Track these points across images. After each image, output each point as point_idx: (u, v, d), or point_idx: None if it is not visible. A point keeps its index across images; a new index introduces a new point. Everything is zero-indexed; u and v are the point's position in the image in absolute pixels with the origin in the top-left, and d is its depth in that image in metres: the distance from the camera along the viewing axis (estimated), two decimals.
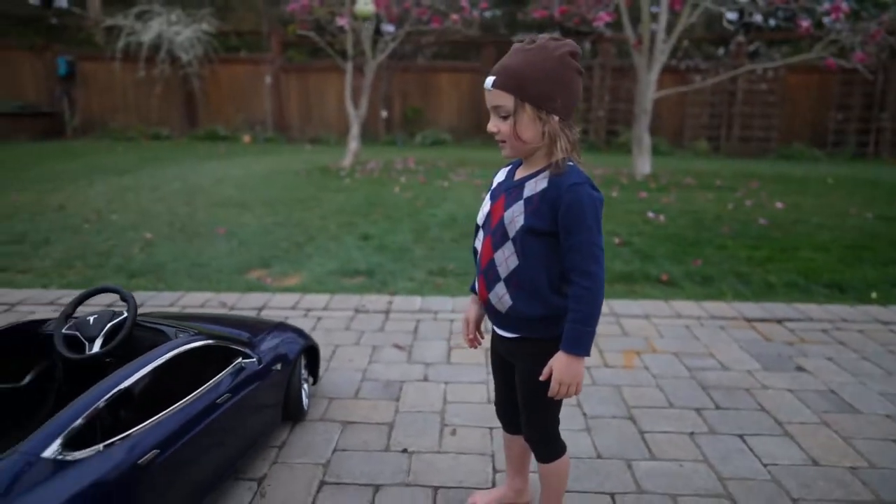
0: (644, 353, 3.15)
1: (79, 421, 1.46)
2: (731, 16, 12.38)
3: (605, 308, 3.44)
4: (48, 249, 4.96)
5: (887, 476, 2.15)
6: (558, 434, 1.72)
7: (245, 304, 3.83)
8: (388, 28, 10.50)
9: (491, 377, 2.83)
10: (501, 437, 1.98)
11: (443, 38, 12.78)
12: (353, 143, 9.79)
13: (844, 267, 4.55)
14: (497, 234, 1.55)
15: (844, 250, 4.97)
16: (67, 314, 1.97)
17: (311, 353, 2.56)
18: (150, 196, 7.10)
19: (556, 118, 1.47)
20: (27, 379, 1.99)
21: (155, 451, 1.58)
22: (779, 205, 6.78)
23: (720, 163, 11.60)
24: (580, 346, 1.48)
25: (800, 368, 3.01)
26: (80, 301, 2.00)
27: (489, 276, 1.58)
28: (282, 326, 2.52)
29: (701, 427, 2.47)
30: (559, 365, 1.50)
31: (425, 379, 2.86)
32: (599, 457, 2.26)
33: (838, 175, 9.61)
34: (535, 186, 1.51)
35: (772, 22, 13.11)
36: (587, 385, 2.76)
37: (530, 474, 1.98)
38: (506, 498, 1.95)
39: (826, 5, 6.98)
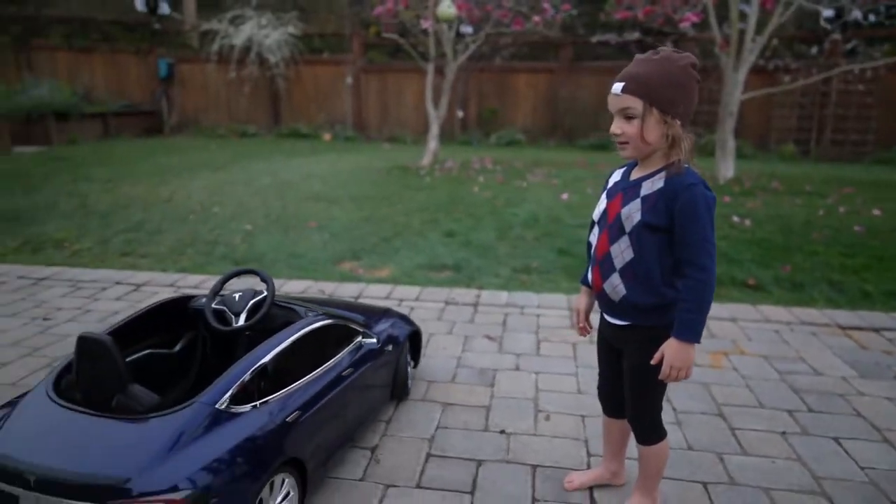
0: (732, 355, 3.18)
1: (240, 382, 1.71)
2: (828, 13, 11.81)
3: None
4: (161, 237, 5.44)
5: None
6: (660, 419, 1.84)
7: (341, 292, 4.10)
8: (467, 29, 10.70)
9: (580, 369, 2.97)
10: (595, 425, 2.11)
11: (521, 39, 12.85)
12: (433, 143, 10.05)
13: None
14: (614, 228, 1.69)
15: None
16: (216, 291, 2.24)
17: (415, 338, 2.76)
18: (246, 190, 7.59)
19: (678, 122, 1.60)
20: (178, 346, 2.29)
21: (298, 412, 1.81)
22: (876, 212, 6.48)
23: (809, 167, 11.10)
24: (692, 332, 1.60)
25: None
26: (226, 280, 2.27)
27: (605, 267, 1.72)
28: (390, 312, 2.73)
29: (793, 427, 2.50)
30: (671, 350, 1.62)
31: (517, 368, 3.01)
32: (690, 448, 2.34)
33: None
34: (651, 186, 1.64)
35: (871, 18, 12.41)
36: (692, 381, 2.82)
37: (627, 461, 2.09)
38: (601, 479, 2.08)
39: None
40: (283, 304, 2.28)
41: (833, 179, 9.02)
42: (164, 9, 15.32)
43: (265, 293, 2.21)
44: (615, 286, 1.70)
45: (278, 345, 1.88)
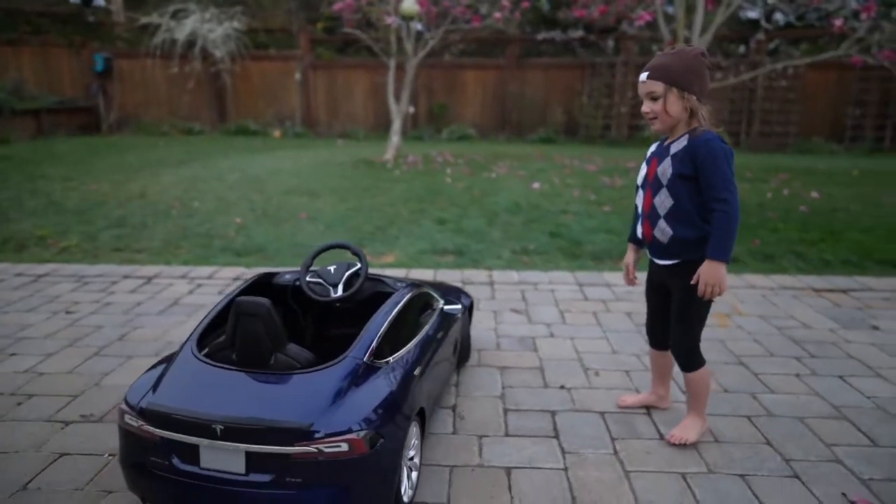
0: (734, 316, 3.57)
1: (378, 339, 1.88)
2: (753, 14, 12.79)
3: None
4: (150, 232, 5.36)
5: None
6: (700, 349, 2.21)
7: None
8: (416, 26, 10.88)
9: (609, 333, 3.30)
10: (639, 378, 2.52)
11: (469, 36, 13.15)
12: (395, 138, 10.19)
13: (888, 247, 4.97)
14: (655, 185, 2.10)
15: (888, 233, 5.39)
16: (307, 266, 2.37)
17: (471, 308, 2.97)
18: (220, 185, 7.49)
19: (695, 97, 2.01)
20: None
21: (420, 367, 2.00)
22: (814, 194, 7.20)
23: (744, 156, 11.99)
24: (722, 252, 1.95)
25: (874, 327, 3.43)
26: (316, 254, 2.40)
27: (652, 217, 2.11)
28: (446, 285, 2.93)
29: (804, 370, 2.89)
30: (705, 269, 1.99)
31: (552, 335, 3.28)
32: (726, 391, 2.68)
33: (861, 168, 10.03)
34: (678, 146, 2.05)
35: (790, 19, 13.51)
36: (707, 338, 3.17)
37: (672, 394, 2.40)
38: (649, 401, 2.49)
39: (856, 5, 7.41)
40: (371, 276, 2.44)
41: (769, 167, 9.84)
42: (99, 0, 14.63)
43: (358, 265, 2.36)
44: (663, 229, 2.08)
45: (393, 309, 2.05)
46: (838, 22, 7.57)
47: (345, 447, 1.58)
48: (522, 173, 8.80)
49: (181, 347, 1.87)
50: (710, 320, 3.47)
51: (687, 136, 2.04)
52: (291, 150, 11.73)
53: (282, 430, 1.56)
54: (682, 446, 2.23)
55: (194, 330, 1.95)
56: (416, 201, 6.66)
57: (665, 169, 2.05)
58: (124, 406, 1.71)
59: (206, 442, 1.59)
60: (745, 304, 3.76)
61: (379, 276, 2.46)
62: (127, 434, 1.71)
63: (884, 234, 5.33)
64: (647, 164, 2.18)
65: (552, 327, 3.39)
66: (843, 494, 2.00)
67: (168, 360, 1.87)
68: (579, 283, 4.16)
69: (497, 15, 9.13)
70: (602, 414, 2.48)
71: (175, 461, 1.63)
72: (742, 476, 2.08)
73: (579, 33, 14.30)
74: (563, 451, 2.21)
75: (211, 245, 5.02)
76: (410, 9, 9.11)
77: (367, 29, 10.26)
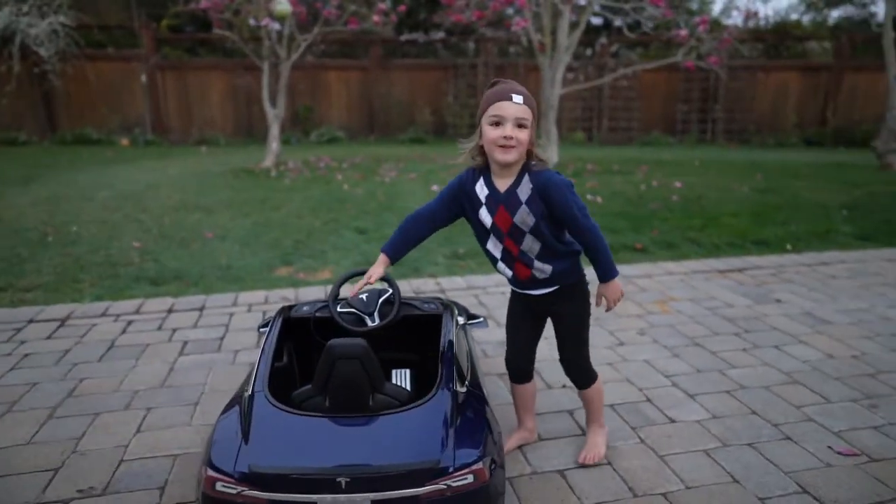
0: (670, 301, 4.00)
1: (450, 369, 1.88)
2: (597, 20, 14.04)
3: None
4: (32, 266, 4.67)
5: (875, 357, 3.16)
6: (591, 363, 2.24)
7: (306, 296, 4.08)
8: (274, 26, 10.50)
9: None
10: (511, 394, 2.55)
11: (331, 37, 12.94)
12: (274, 144, 9.75)
13: (758, 228, 5.83)
14: (514, 234, 1.97)
15: (750, 216, 6.30)
16: (335, 296, 2.27)
17: None
18: (90, 206, 6.68)
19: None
20: (286, 356, 2.26)
21: (482, 382, 2.03)
22: (677, 184, 8.15)
23: (600, 151, 13.17)
24: (612, 270, 2.02)
25: (777, 300, 4.04)
26: (341, 283, 2.30)
27: (525, 260, 2.01)
28: (429, 297, 2.96)
29: (747, 345, 3.33)
30: (606, 291, 2.05)
31: None
32: (699, 371, 3.02)
33: (699, 158, 11.50)
34: (526, 190, 1.93)
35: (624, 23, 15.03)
36: (659, 324, 3.55)
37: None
38: (526, 438, 2.36)
39: (696, 18, 8.57)
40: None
41: (628, 160, 10.91)
42: None
43: (389, 290, 2.30)
44: (541, 268, 2.02)
45: (449, 332, 2.06)
46: (683, 32, 8.63)
47: (470, 478, 1.58)
48: (413, 175, 8.91)
49: (250, 400, 1.72)
50: (653, 307, 3.89)
51: (527, 177, 1.93)
52: (151, 160, 10.73)
53: (412, 473, 1.53)
54: (695, 423, 2.49)
55: (254, 379, 1.80)
56: (324, 211, 6.48)
57: (524, 218, 1.93)
58: (213, 473, 1.55)
59: (330, 497, 1.50)
60: (673, 290, 4.22)
61: (404, 299, 2.43)
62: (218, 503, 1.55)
63: (749, 217, 6.22)
64: (491, 211, 1.98)
65: None
66: (830, 447, 2.38)
67: (230, 416, 1.71)
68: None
69: (376, 18, 9.10)
70: (613, 406, 2.68)
71: None
72: (750, 445, 2.39)
73: (441, 35, 14.68)
74: None
75: (118, 275, 4.50)
76: (284, 9, 8.77)
77: (231, 29, 9.68)
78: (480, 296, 4.11)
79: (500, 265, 2.09)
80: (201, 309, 3.87)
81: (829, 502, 2.06)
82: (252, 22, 9.40)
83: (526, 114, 1.86)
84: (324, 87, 14.91)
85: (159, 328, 3.57)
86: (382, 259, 2.13)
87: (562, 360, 2.23)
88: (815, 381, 2.91)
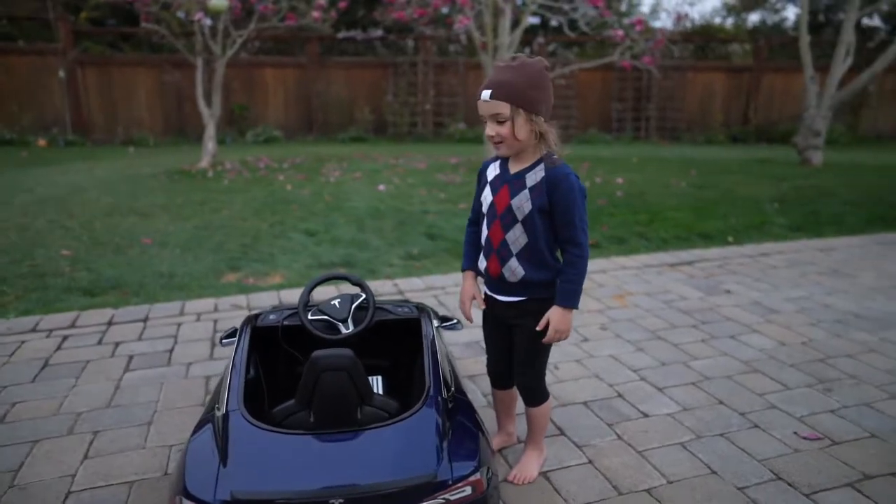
0: (627, 296, 4.06)
1: (437, 376, 1.81)
2: (534, 20, 14.21)
3: None
4: None
5: (822, 343, 3.31)
6: (545, 383, 2.12)
7: (258, 302, 3.89)
8: (206, 21, 10.09)
9: None
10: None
11: (265, 33, 12.54)
12: (211, 144, 9.33)
13: (700, 222, 6.03)
14: (506, 218, 1.88)
15: (691, 211, 6.52)
16: (305, 303, 2.14)
17: None
18: (8, 211, 6.16)
19: (542, 119, 1.80)
20: (253, 368, 2.12)
21: (464, 391, 1.97)
22: (619, 180, 8.35)
23: None
24: (572, 300, 1.87)
25: (727, 291, 4.17)
26: (311, 289, 2.17)
27: (502, 253, 1.91)
28: (394, 300, 2.87)
29: (705, 336, 3.42)
30: (556, 316, 1.88)
31: None
32: (664, 364, 3.06)
33: (635, 154, 11.85)
34: (535, 177, 1.85)
35: (564, 22, 15.31)
36: (619, 319, 3.58)
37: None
38: (505, 442, 2.34)
39: (632, 19, 8.81)
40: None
41: (569, 158, 11.02)
42: None
43: (363, 296, 2.20)
44: (514, 269, 1.90)
45: (431, 337, 1.98)
46: (619, 33, 8.85)
47: (469, 490, 1.51)
48: (359, 175, 8.73)
49: (224, 420, 1.58)
50: (612, 302, 3.93)
51: (543, 165, 1.84)
52: (75, 161, 10.07)
53: (409, 489, 1.44)
54: (668, 417, 2.51)
55: (227, 395, 1.67)
56: (269, 213, 6.24)
57: (522, 203, 1.84)
58: (190, 502, 1.41)
59: None
60: (628, 285, 4.28)
61: (378, 304, 2.33)
62: None
63: (690, 211, 6.43)
64: (493, 190, 1.93)
65: None
66: (795, 433, 2.45)
67: (201, 438, 1.57)
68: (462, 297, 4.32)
69: (316, 14, 8.86)
70: (586, 403, 2.68)
71: None
72: (722, 435, 2.43)
73: (379, 33, 14.49)
74: (578, 446, 2.36)
75: (47, 286, 4.15)
76: (218, 4, 8.40)
77: (160, 23, 9.20)
78: (440, 296, 4.04)
79: (480, 256, 2.04)
80: (145, 320, 3.63)
81: (803, 487, 2.11)
82: (182, 16, 8.96)
83: (497, 108, 1.76)
84: (260, 85, 14.41)
85: (99, 342, 3.31)
86: (469, 275, 2.10)
87: (514, 375, 2.12)
88: (772, 369, 3.01)
